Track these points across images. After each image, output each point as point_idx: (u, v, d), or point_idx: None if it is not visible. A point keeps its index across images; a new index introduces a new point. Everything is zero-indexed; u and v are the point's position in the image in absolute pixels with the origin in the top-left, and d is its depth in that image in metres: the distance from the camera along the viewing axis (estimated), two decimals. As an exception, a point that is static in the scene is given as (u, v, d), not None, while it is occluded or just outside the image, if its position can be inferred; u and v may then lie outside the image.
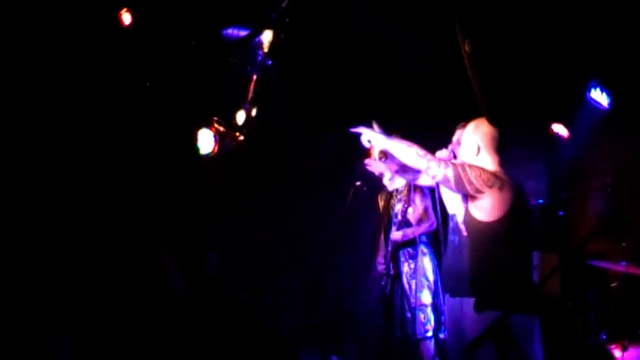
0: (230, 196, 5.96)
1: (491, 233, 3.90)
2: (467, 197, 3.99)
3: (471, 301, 4.11)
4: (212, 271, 5.81)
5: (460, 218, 4.47)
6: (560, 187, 6.13)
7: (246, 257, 6.26)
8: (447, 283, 4.74)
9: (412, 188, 5.51)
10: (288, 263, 6.57)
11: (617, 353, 4.60)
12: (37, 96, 4.93)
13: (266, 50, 4.76)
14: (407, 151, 3.99)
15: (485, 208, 3.89)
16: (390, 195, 5.76)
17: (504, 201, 3.87)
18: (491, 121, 3.93)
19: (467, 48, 4.28)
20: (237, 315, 5.67)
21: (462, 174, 3.86)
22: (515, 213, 3.89)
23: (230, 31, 4.72)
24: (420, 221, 5.57)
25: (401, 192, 5.64)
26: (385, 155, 5.63)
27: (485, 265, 3.98)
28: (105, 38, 4.84)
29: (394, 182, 5.72)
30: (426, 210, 5.57)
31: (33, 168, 5.01)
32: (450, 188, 3.98)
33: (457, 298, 4.45)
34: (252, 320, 5.82)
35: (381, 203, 5.88)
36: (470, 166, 3.93)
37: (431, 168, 3.91)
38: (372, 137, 4.18)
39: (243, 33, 4.76)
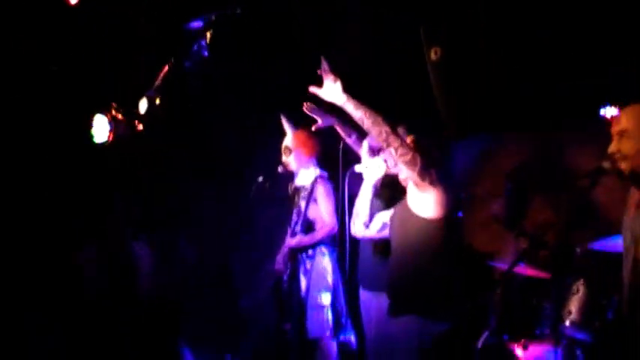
0: (125, 187, 5.65)
1: (426, 230, 3.92)
2: (411, 189, 3.99)
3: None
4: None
5: None
6: (459, 188, 6.22)
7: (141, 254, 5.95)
8: (362, 277, 4.72)
9: (317, 187, 5.40)
10: (184, 262, 6.32)
11: (519, 352, 4.72)
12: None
13: (208, 41, 4.48)
14: (374, 120, 3.84)
15: (428, 204, 3.92)
16: (297, 190, 5.60)
17: (448, 202, 3.93)
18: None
19: (433, 56, 4.26)
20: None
21: (427, 163, 3.86)
22: (452, 217, 3.98)
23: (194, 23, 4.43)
24: (321, 224, 5.41)
25: (306, 189, 5.47)
26: (290, 151, 5.50)
27: (409, 265, 3.99)
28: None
29: (300, 177, 5.56)
30: (327, 212, 5.37)
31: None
32: (409, 174, 3.93)
33: (371, 292, 4.43)
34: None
35: (290, 194, 5.69)
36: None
37: (398, 149, 3.83)
38: (334, 91, 3.92)
39: (197, 24, 4.48)
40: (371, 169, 4.39)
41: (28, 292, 4.84)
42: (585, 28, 4.77)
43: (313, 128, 5.10)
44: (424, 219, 3.94)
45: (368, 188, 4.38)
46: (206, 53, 4.50)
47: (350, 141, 5.01)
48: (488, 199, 5.95)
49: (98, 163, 5.28)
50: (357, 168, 4.49)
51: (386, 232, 4.33)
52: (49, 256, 5.00)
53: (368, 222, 4.39)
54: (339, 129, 5.05)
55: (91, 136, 5.02)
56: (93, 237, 5.41)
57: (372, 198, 4.43)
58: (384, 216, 4.39)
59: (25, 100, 4.96)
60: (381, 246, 4.48)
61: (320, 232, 5.38)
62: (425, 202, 3.94)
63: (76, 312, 4.94)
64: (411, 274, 3.98)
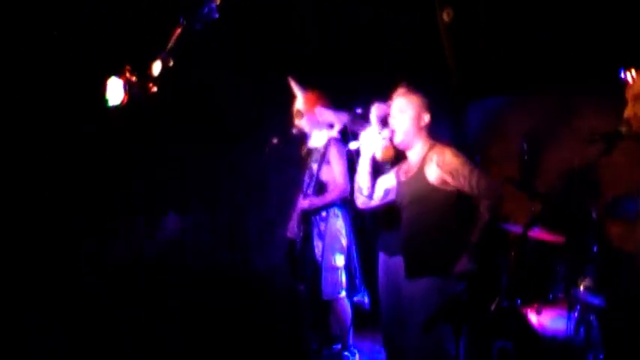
0: (139, 151, 5.65)
1: (437, 194, 4.00)
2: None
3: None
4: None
5: None
6: (473, 151, 6.17)
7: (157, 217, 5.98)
8: (382, 242, 4.65)
9: (329, 148, 5.37)
10: (197, 221, 6.33)
11: (533, 317, 4.71)
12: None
13: (218, 2, 4.42)
14: None
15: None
16: (309, 152, 5.59)
17: None
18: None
19: (446, 18, 4.23)
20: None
21: None
22: None
23: None
24: (333, 185, 5.38)
25: (319, 151, 5.40)
26: (302, 115, 5.46)
27: (421, 229, 4.03)
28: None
29: (313, 138, 5.53)
30: (339, 174, 5.33)
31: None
32: None
33: (392, 257, 4.41)
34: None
35: (303, 156, 5.68)
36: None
37: None
38: None
39: None
40: (365, 143, 4.33)
41: (28, 292, 4.84)
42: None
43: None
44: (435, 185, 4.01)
45: (365, 162, 4.33)
46: (216, 15, 4.44)
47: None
48: (503, 160, 5.91)
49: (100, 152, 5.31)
50: (352, 145, 4.40)
51: (390, 198, 4.32)
52: (49, 256, 4.99)
53: (371, 193, 4.36)
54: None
55: (105, 101, 4.95)
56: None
57: (374, 168, 4.40)
58: (384, 182, 4.36)
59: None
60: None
61: (332, 194, 5.36)
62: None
63: (76, 312, 4.94)
64: (424, 239, 4.01)
